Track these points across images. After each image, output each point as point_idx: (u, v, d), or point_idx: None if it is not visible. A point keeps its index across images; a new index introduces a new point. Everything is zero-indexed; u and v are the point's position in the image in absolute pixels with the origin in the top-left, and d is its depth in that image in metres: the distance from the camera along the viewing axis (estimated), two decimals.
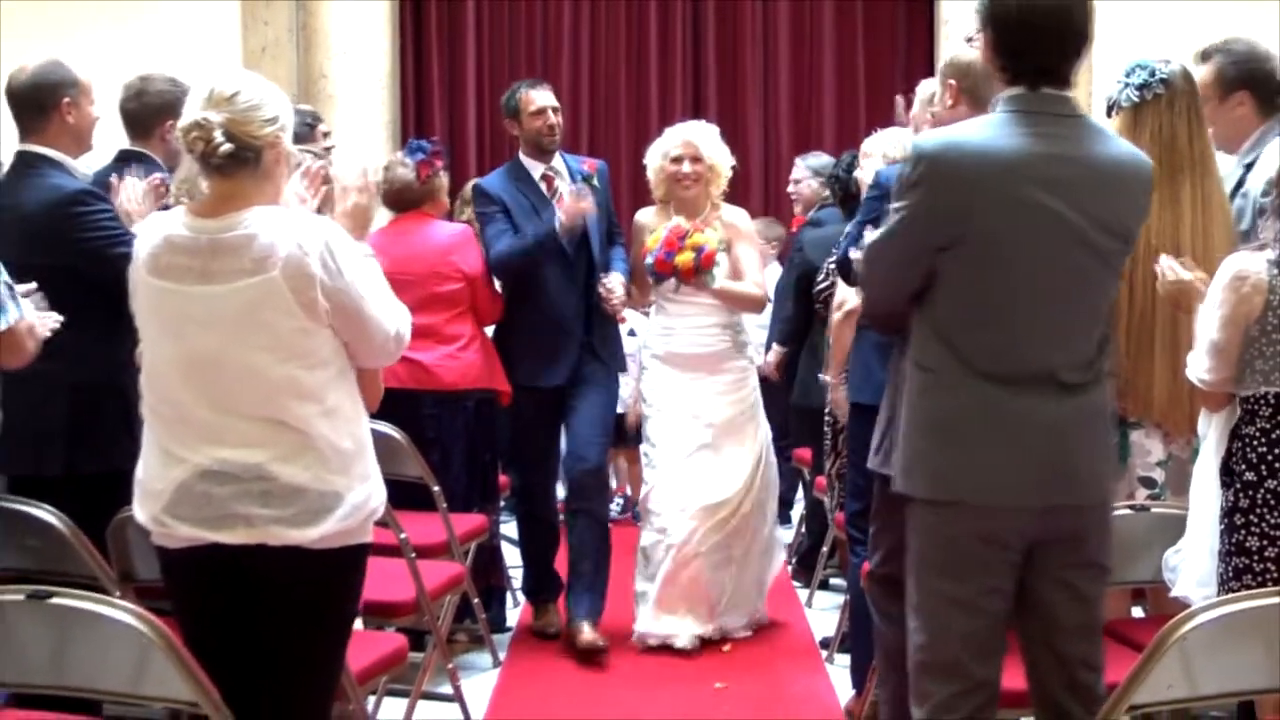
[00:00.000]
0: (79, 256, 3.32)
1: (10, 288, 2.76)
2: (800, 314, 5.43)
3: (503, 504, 5.34)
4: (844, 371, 4.03)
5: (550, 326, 4.66)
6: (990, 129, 2.51)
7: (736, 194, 5.48)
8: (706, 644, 4.71)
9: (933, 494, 2.53)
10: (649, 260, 4.62)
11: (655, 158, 4.84)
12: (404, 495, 3.80)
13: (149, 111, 3.73)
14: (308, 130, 4.20)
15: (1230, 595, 2.67)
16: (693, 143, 4.78)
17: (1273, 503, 2.83)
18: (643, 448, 4.93)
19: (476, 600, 4.40)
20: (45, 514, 3.05)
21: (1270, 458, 2.84)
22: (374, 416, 2.71)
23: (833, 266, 4.16)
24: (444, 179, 4.81)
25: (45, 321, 2.92)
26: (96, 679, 2.50)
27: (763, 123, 8.31)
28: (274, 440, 2.49)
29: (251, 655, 2.57)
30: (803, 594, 5.50)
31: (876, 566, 3.08)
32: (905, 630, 2.69)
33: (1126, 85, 3.31)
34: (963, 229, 2.47)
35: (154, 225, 2.58)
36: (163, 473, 2.53)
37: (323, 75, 7.49)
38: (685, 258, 4.56)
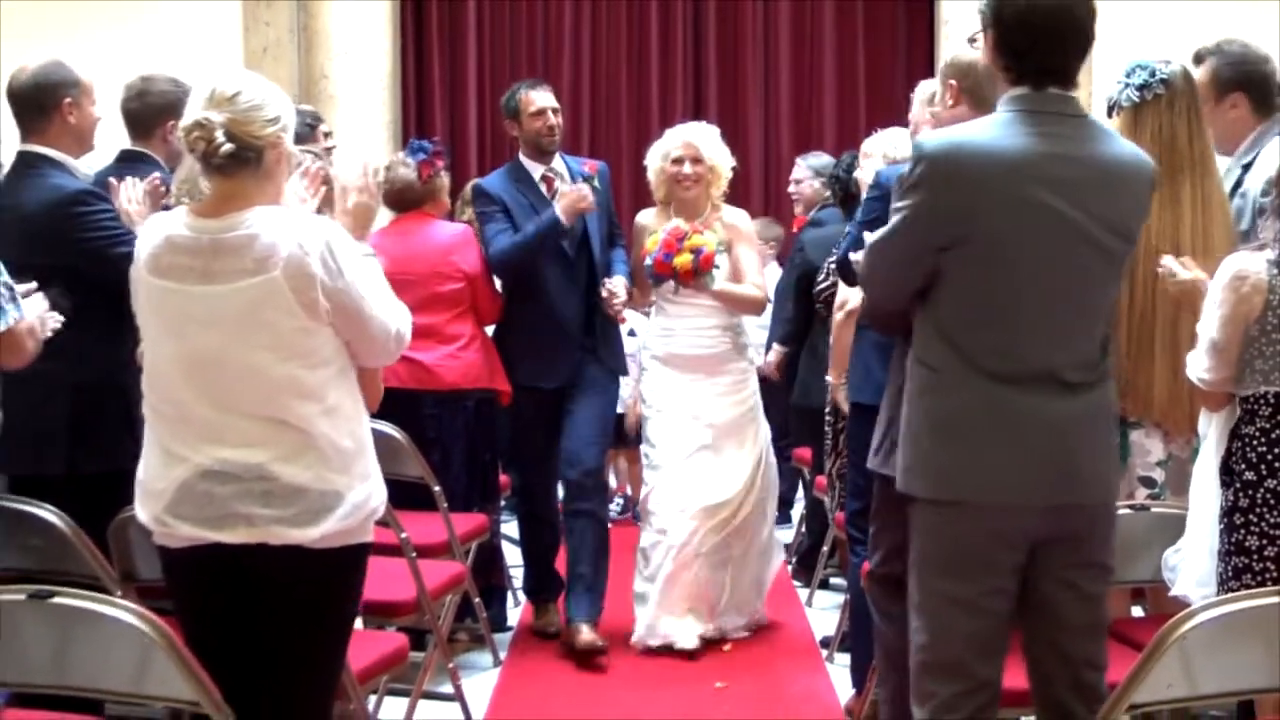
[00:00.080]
0: (80, 256, 3.32)
1: (10, 289, 2.77)
2: (800, 314, 5.44)
3: (503, 503, 5.35)
4: (846, 372, 4.03)
5: (550, 327, 4.66)
6: (995, 129, 2.51)
7: (737, 194, 5.49)
8: (707, 644, 4.70)
9: (936, 493, 2.53)
10: (648, 262, 4.62)
11: (655, 159, 4.83)
12: (405, 495, 3.81)
13: (151, 112, 3.74)
14: (308, 131, 4.20)
15: (1230, 595, 2.67)
16: (693, 144, 4.77)
17: (1272, 502, 2.84)
18: (643, 448, 4.92)
19: (477, 600, 4.40)
20: (47, 514, 3.05)
21: (1270, 457, 2.85)
22: (375, 416, 2.71)
23: (833, 266, 4.17)
24: (445, 179, 4.82)
25: (48, 319, 2.92)
26: (98, 678, 2.50)
27: (763, 123, 8.32)
28: (275, 440, 2.50)
29: (252, 655, 2.58)
30: (803, 593, 5.51)
31: (876, 566, 3.09)
32: (905, 630, 2.69)
33: (1127, 85, 3.32)
34: (967, 229, 2.47)
35: (155, 225, 2.59)
36: (164, 472, 2.54)
37: (324, 75, 7.50)
38: (684, 259, 4.55)
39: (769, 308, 5.55)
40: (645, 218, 4.89)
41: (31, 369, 2.88)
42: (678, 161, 4.75)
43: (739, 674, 4.53)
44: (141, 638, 2.40)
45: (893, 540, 2.98)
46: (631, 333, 5.69)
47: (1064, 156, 2.48)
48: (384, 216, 4.87)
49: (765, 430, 4.92)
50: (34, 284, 2.90)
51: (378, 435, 2.75)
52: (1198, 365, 2.94)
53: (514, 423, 4.83)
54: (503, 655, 4.69)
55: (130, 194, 3.44)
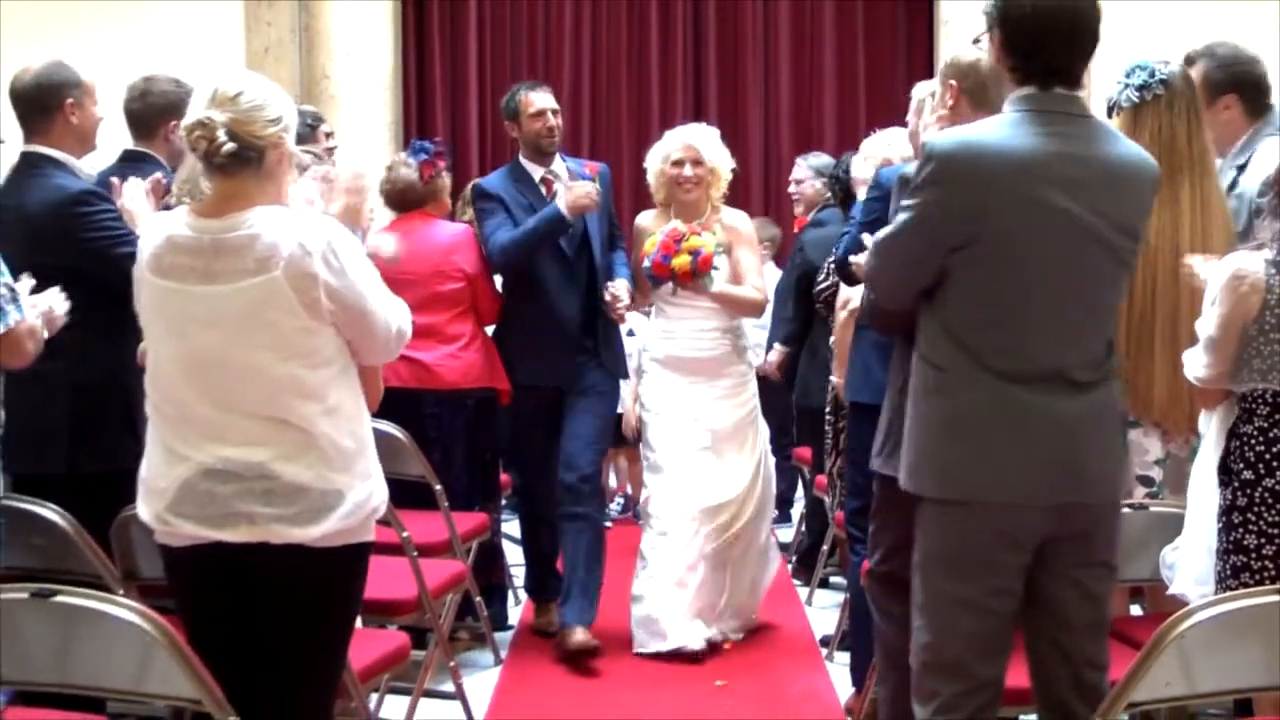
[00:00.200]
0: (82, 256, 3.33)
1: (11, 290, 2.77)
2: (801, 314, 5.45)
3: (504, 502, 5.36)
4: None
5: (550, 327, 4.66)
6: (1003, 129, 2.51)
7: (737, 195, 5.49)
8: (708, 644, 4.70)
9: (944, 493, 2.53)
10: (646, 263, 4.61)
11: (655, 161, 4.82)
12: (406, 494, 3.82)
13: (153, 112, 3.74)
14: (309, 131, 4.21)
15: (1228, 593, 2.68)
16: (693, 145, 4.76)
17: (1270, 501, 2.84)
18: (642, 451, 4.91)
19: (478, 598, 4.40)
20: (49, 513, 3.06)
21: (1268, 456, 2.85)
22: (376, 415, 2.72)
23: (833, 267, 4.17)
24: (447, 179, 4.83)
25: (58, 313, 2.93)
26: (100, 677, 2.51)
27: (763, 123, 8.33)
28: (276, 439, 2.50)
29: (254, 653, 2.58)
30: (803, 592, 5.52)
31: (876, 565, 3.09)
32: (905, 628, 2.69)
33: (1126, 86, 3.32)
34: (977, 228, 2.47)
35: (157, 225, 2.60)
36: (166, 471, 2.55)
37: (325, 76, 7.51)
38: (682, 260, 4.54)
39: (768, 309, 5.55)
40: (645, 219, 4.88)
41: (33, 369, 2.89)
42: (678, 163, 4.75)
43: (739, 673, 4.53)
44: (143, 636, 2.41)
45: (893, 539, 2.98)
46: (630, 332, 5.70)
47: (1072, 156, 2.48)
48: (385, 216, 4.89)
49: (765, 433, 4.92)
50: (34, 282, 2.91)
51: (379, 434, 2.75)
52: (1195, 363, 2.96)
53: (514, 422, 4.84)
54: (504, 654, 4.70)
55: (132, 192, 3.45)
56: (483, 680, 4.44)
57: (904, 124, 3.56)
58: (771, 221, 7.18)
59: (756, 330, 5.87)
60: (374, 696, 3.67)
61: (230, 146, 2.47)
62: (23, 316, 2.78)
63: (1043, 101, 2.51)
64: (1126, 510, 3.16)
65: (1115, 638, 2.71)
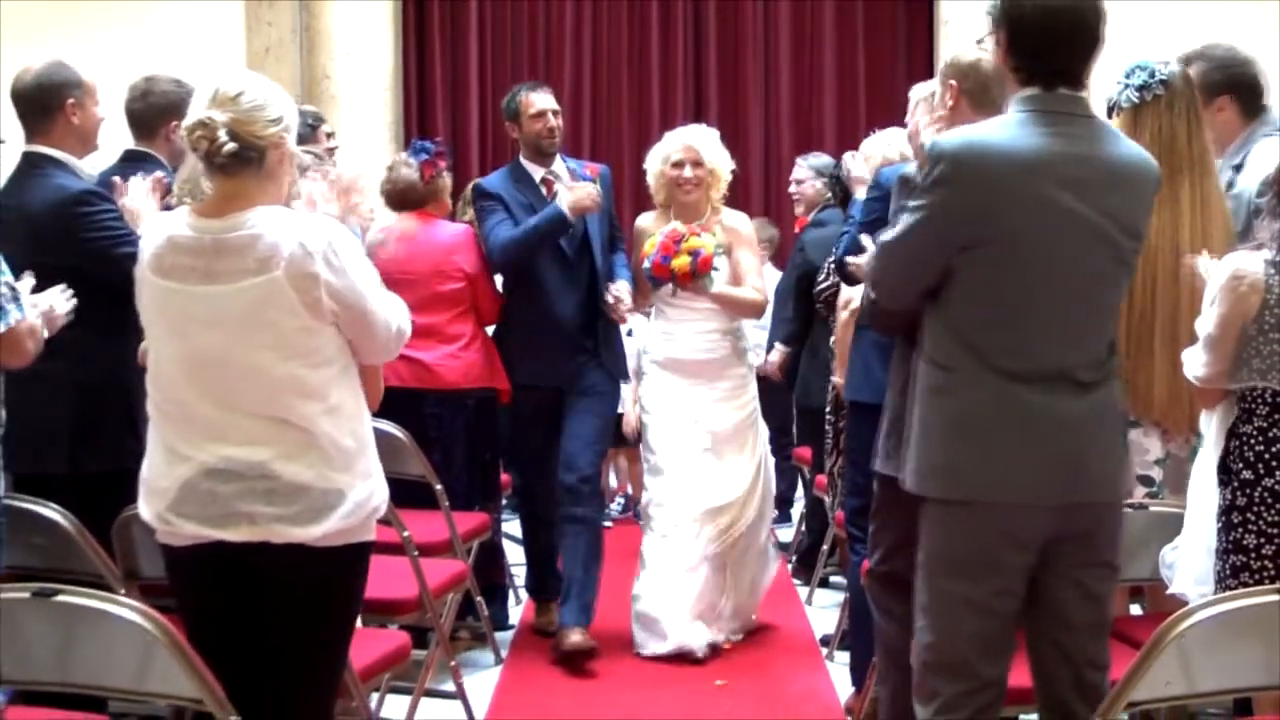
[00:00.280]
0: (83, 256, 3.33)
1: (12, 289, 2.78)
2: (801, 314, 5.45)
3: (504, 502, 5.36)
4: None
5: (550, 327, 4.66)
6: (1009, 129, 2.51)
7: (737, 195, 5.49)
8: (709, 645, 4.70)
9: (950, 493, 2.52)
10: (646, 264, 4.59)
11: (655, 162, 4.81)
12: (407, 494, 3.82)
13: (154, 112, 3.75)
14: (309, 131, 4.21)
15: (1228, 593, 2.68)
16: (694, 147, 4.76)
17: (1270, 500, 2.85)
18: (643, 453, 4.91)
19: (479, 598, 4.41)
20: (51, 512, 3.06)
21: (1267, 456, 2.86)
22: (376, 415, 2.72)
23: (833, 266, 4.18)
24: (447, 179, 4.83)
25: (59, 311, 2.94)
26: (102, 676, 2.51)
27: (763, 123, 8.33)
28: (277, 438, 2.51)
29: (255, 652, 2.59)
30: (803, 592, 5.52)
31: (877, 564, 3.10)
32: (905, 628, 2.69)
33: (1127, 86, 3.33)
34: (984, 228, 2.47)
35: (158, 225, 2.60)
36: (168, 471, 2.55)
37: (326, 76, 7.52)
38: (681, 261, 4.53)
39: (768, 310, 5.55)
40: (645, 221, 4.87)
41: (34, 368, 2.89)
42: (678, 165, 4.74)
43: (739, 673, 4.53)
44: (145, 635, 2.41)
45: (893, 538, 2.99)
46: (629, 333, 5.71)
47: (1078, 156, 2.49)
48: (386, 216, 4.89)
49: (765, 435, 4.92)
50: (34, 281, 2.91)
51: (379, 434, 2.76)
52: (1193, 362, 2.96)
53: (514, 422, 4.84)
54: (504, 653, 4.70)
55: (135, 190, 3.46)
56: (483, 680, 4.45)
57: (904, 124, 3.56)
58: (769, 222, 7.18)
59: (756, 331, 5.88)
60: (375, 696, 3.67)
61: (231, 146, 2.47)
62: (23, 316, 2.78)
63: (1047, 102, 2.51)
64: (1126, 510, 3.16)
65: (1115, 637, 2.72)
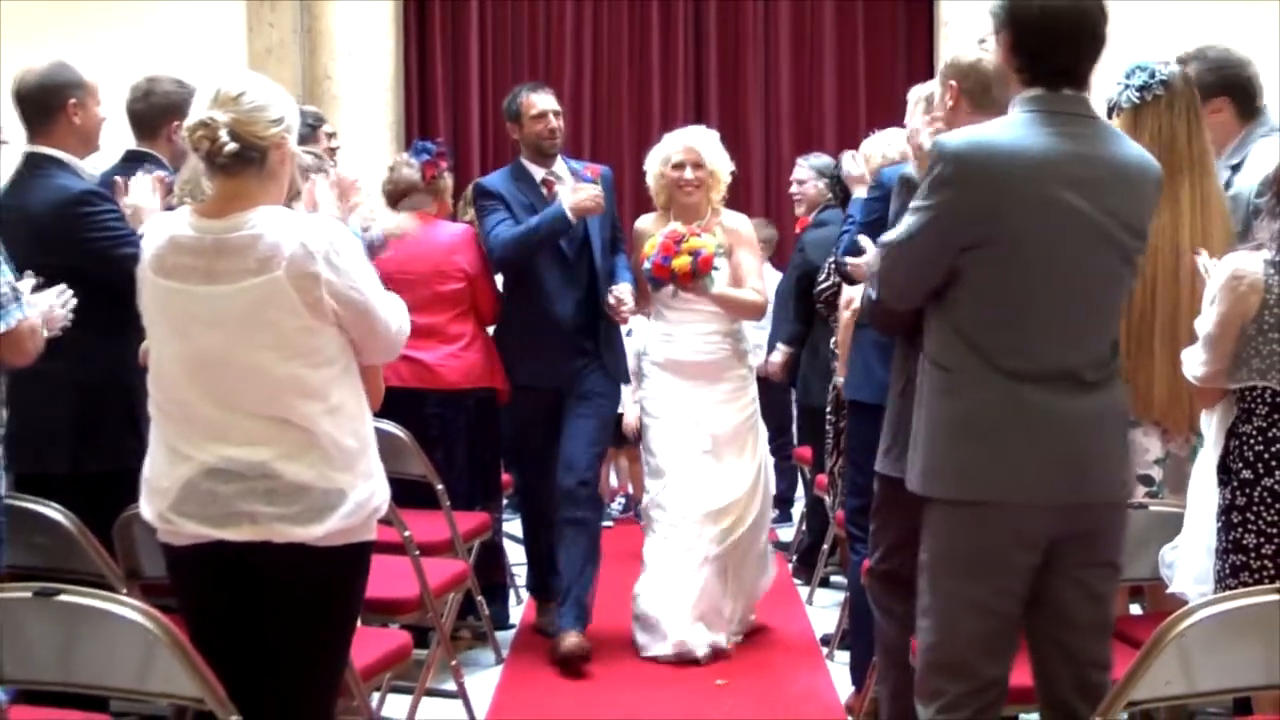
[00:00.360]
0: (84, 257, 3.34)
1: (14, 288, 2.78)
2: (803, 314, 5.46)
3: (505, 502, 5.37)
4: None
5: (549, 328, 4.65)
6: (1014, 129, 2.51)
7: (737, 195, 5.50)
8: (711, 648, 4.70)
9: (956, 494, 2.52)
10: (646, 265, 4.57)
11: (655, 164, 4.80)
12: (408, 493, 3.83)
13: (155, 112, 3.76)
14: (310, 131, 4.22)
15: (1228, 592, 2.68)
16: (694, 148, 4.75)
17: (1269, 500, 2.85)
18: (644, 456, 4.90)
19: (480, 597, 4.41)
20: (53, 512, 3.07)
21: (1267, 455, 2.86)
22: (378, 415, 2.73)
23: (834, 266, 4.18)
24: (449, 180, 4.84)
25: (59, 314, 2.94)
26: (103, 675, 2.52)
27: (764, 123, 8.33)
28: (279, 438, 2.51)
29: (256, 652, 2.59)
30: (803, 591, 5.52)
31: (877, 563, 3.10)
32: (906, 627, 2.69)
33: (1127, 87, 3.33)
34: (992, 228, 2.46)
35: (160, 225, 2.61)
36: (169, 470, 2.55)
37: (327, 76, 7.52)
38: (682, 261, 4.51)
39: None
40: (644, 223, 4.86)
41: (35, 368, 2.90)
42: (679, 166, 4.73)
43: (739, 672, 4.54)
44: (146, 635, 2.42)
45: (893, 537, 2.99)
46: (629, 333, 5.70)
47: (1083, 156, 2.49)
48: (387, 216, 4.89)
49: (764, 437, 4.92)
50: (35, 280, 2.92)
51: (381, 434, 2.76)
52: (1193, 361, 2.96)
53: (514, 422, 4.84)
54: (505, 653, 4.71)
55: (139, 187, 3.47)
56: (484, 679, 4.45)
57: (904, 124, 3.56)
58: (767, 222, 7.18)
59: (756, 331, 5.88)
60: (376, 695, 3.68)
61: (232, 147, 2.47)
62: (25, 315, 2.79)
63: (1051, 102, 2.51)
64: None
65: (1115, 637, 2.72)
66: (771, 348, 5.93)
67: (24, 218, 3.35)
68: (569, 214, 4.52)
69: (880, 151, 4.16)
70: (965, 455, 2.51)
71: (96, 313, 3.18)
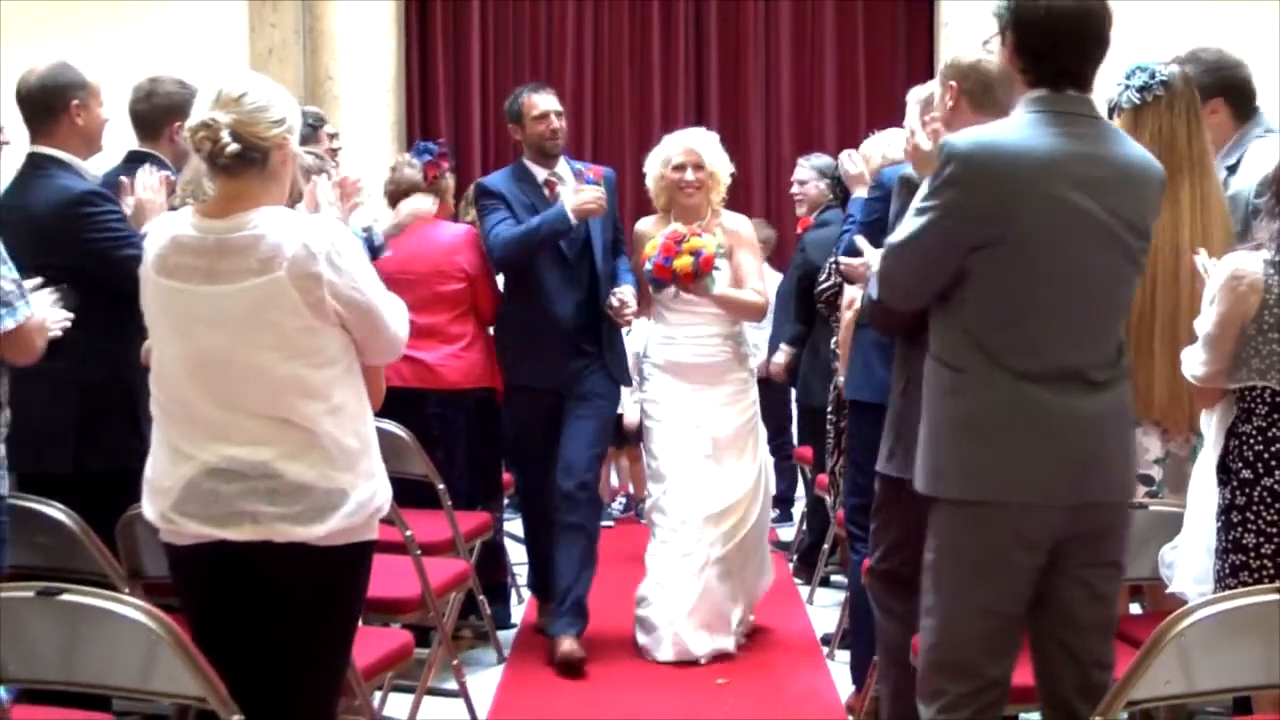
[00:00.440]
0: (86, 257, 3.35)
1: (20, 285, 2.79)
2: (804, 315, 5.46)
3: (506, 501, 5.37)
4: None
5: (549, 329, 4.65)
6: (1020, 129, 2.51)
7: (738, 196, 5.50)
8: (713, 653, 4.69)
9: (963, 494, 2.51)
10: (647, 266, 4.56)
11: (655, 166, 4.79)
12: (409, 493, 3.84)
13: (157, 113, 3.77)
14: (311, 132, 4.22)
15: (1227, 592, 2.69)
16: (695, 150, 4.74)
17: (1269, 500, 2.85)
18: (645, 459, 4.90)
19: (481, 597, 4.42)
20: (55, 511, 3.07)
21: (1266, 455, 2.86)
22: (379, 415, 2.73)
23: (834, 266, 4.18)
24: (450, 180, 4.84)
25: (56, 319, 2.95)
26: (106, 675, 2.52)
27: (764, 124, 8.33)
28: (280, 438, 2.52)
29: (258, 651, 2.60)
30: (804, 591, 5.52)
31: (877, 562, 3.10)
32: (906, 626, 2.70)
33: (1127, 87, 3.34)
34: (997, 228, 2.47)
35: (162, 225, 2.61)
36: (171, 470, 2.56)
37: (329, 77, 7.53)
38: (683, 262, 4.50)
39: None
40: (645, 225, 4.85)
41: (38, 368, 2.90)
42: (679, 168, 4.72)
43: (740, 671, 4.54)
44: (148, 634, 2.42)
45: (894, 536, 3.00)
46: (628, 333, 5.70)
47: (1088, 156, 2.49)
48: (388, 217, 4.90)
49: (764, 439, 4.91)
50: (39, 280, 2.93)
51: (382, 434, 2.77)
52: (1192, 360, 2.97)
53: (515, 423, 4.84)
54: (506, 652, 4.71)
55: (146, 183, 3.47)
56: (486, 678, 4.46)
57: (904, 125, 3.57)
58: (767, 223, 7.17)
59: (756, 332, 5.88)
60: (377, 694, 3.68)
61: (234, 147, 2.48)
62: (33, 312, 2.80)
63: (1056, 103, 2.52)
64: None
65: (1115, 636, 2.72)
66: (773, 349, 5.94)
67: (26, 218, 3.36)
68: (570, 215, 4.52)
69: (880, 152, 4.16)
70: (971, 455, 2.51)
71: (98, 313, 3.19)
